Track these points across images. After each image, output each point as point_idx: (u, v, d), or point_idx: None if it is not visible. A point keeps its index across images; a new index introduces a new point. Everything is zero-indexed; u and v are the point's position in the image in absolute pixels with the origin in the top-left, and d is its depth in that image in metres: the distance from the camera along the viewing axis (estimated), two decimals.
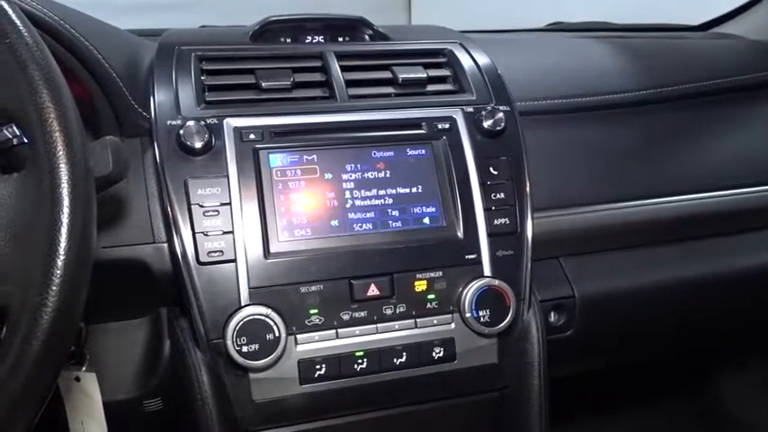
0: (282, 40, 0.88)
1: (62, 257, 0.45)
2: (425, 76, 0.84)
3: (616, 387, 1.41)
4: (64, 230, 0.46)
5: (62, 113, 0.48)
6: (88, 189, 0.48)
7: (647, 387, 1.47)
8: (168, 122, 0.72)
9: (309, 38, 0.89)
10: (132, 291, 0.78)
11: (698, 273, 0.99)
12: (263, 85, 0.78)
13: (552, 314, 0.91)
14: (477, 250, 0.76)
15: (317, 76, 0.82)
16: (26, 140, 0.49)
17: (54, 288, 0.45)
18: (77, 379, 0.72)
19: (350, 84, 0.81)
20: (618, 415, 1.47)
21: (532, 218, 0.79)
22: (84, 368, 0.72)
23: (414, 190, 0.77)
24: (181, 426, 0.79)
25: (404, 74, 0.83)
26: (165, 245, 0.74)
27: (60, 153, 0.47)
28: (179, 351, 0.74)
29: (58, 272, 0.45)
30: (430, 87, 0.84)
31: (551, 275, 0.91)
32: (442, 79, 0.86)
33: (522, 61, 1.02)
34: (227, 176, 0.71)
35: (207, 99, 0.76)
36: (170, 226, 0.70)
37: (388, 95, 0.82)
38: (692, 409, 1.49)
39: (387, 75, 0.83)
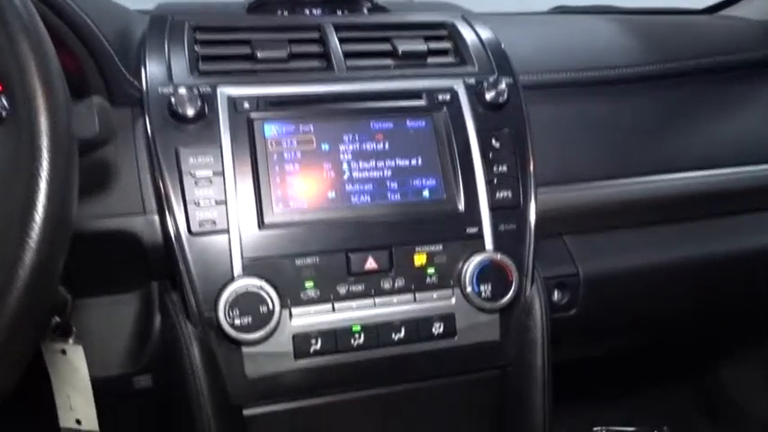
0: (279, 13, 0.86)
1: (40, 214, 0.43)
2: (426, 48, 0.82)
3: (617, 373, 1.40)
4: (42, 186, 0.44)
5: (44, 66, 0.46)
6: (70, 147, 0.47)
7: (648, 373, 1.46)
8: (159, 90, 0.71)
9: (307, 11, 0.87)
10: (122, 263, 0.76)
11: (702, 252, 0.97)
12: (259, 55, 0.76)
13: (556, 292, 0.89)
14: (479, 224, 0.74)
15: (315, 48, 0.80)
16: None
17: (31, 246, 0.43)
18: (63, 351, 0.70)
19: (348, 55, 0.79)
20: (618, 400, 1.46)
21: (536, 192, 0.77)
22: (70, 341, 0.70)
23: (413, 162, 0.75)
24: (171, 403, 0.77)
25: (404, 46, 0.81)
26: (156, 216, 0.72)
27: (40, 105, 0.45)
28: (170, 325, 0.72)
29: (36, 228, 0.43)
30: (430, 60, 0.82)
31: (555, 253, 0.89)
32: (443, 52, 0.84)
33: (525, 36, 1.00)
34: (221, 146, 0.69)
35: (200, 69, 0.74)
36: (161, 196, 0.68)
37: (387, 67, 0.80)
38: (692, 396, 1.48)
39: (386, 47, 0.81)
